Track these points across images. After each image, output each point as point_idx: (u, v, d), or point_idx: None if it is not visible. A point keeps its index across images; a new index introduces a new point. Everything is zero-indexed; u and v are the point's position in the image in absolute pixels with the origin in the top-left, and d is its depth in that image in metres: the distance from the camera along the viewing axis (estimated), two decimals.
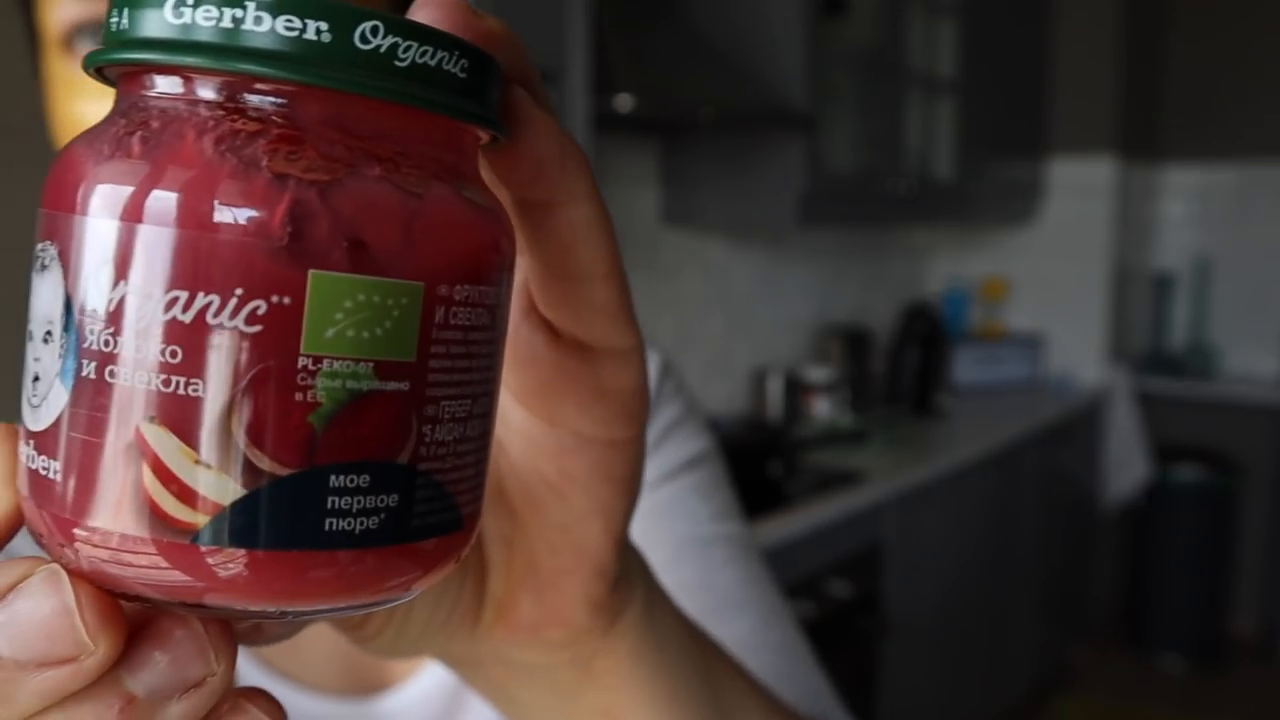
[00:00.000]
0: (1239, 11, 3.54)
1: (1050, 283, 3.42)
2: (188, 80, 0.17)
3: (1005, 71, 3.09)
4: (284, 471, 0.17)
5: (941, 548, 2.47)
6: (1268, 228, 3.58)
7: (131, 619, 0.18)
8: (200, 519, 0.17)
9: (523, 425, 0.26)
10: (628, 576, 0.30)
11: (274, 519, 0.17)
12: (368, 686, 0.52)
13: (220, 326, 0.16)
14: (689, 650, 0.34)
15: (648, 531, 0.50)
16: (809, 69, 2.26)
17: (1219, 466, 3.41)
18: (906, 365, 2.97)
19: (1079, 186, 3.34)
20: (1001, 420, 2.83)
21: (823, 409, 2.64)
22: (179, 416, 0.17)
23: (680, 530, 0.53)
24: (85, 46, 0.41)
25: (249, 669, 0.51)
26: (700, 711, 0.33)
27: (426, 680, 0.51)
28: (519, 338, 0.25)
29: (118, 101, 0.19)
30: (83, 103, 0.42)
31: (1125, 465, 3.34)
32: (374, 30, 0.17)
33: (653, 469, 0.54)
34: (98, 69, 0.19)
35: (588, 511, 0.27)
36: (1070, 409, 3.06)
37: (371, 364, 0.17)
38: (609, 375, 0.25)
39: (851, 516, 2.06)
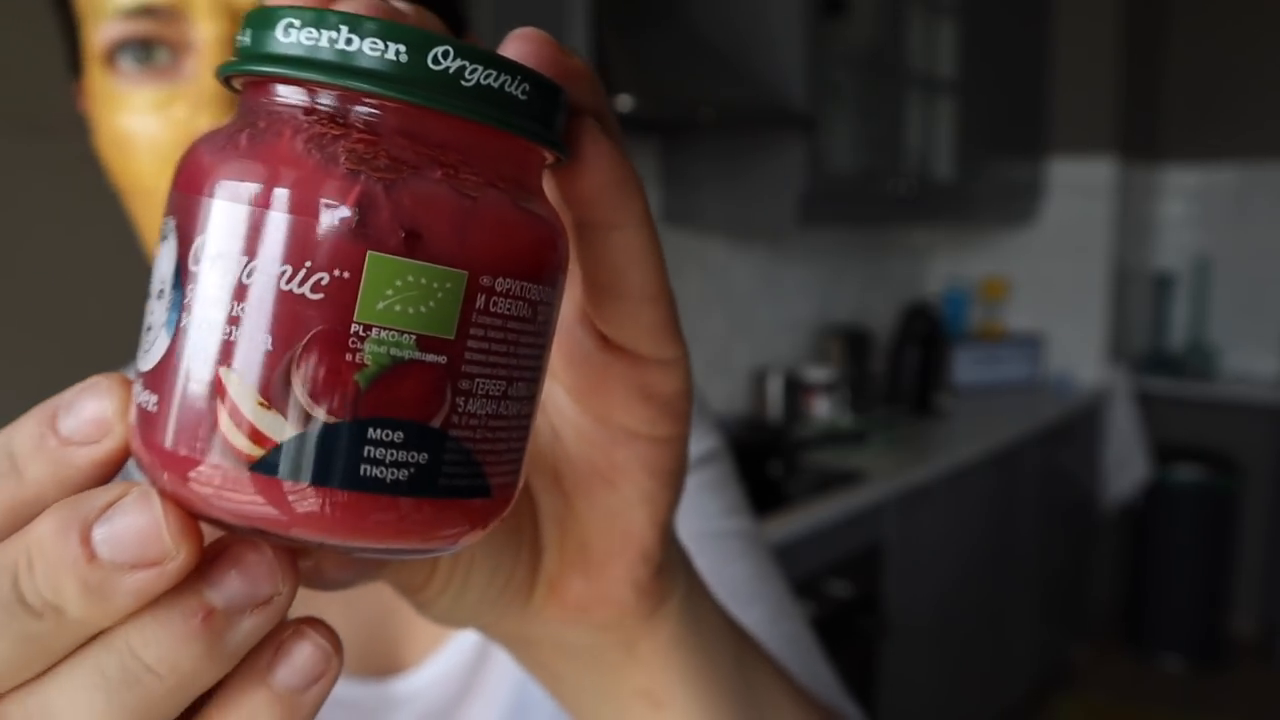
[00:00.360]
0: (1238, 12, 3.54)
1: (1050, 283, 3.42)
2: (292, 89, 0.21)
3: (1005, 71, 3.09)
4: (331, 420, 0.20)
5: (941, 548, 2.47)
6: (1267, 228, 3.59)
7: (212, 546, 0.22)
8: (259, 453, 0.20)
9: (575, 418, 0.29)
10: (671, 564, 0.32)
11: (318, 459, 0.20)
12: (383, 669, 0.53)
13: (289, 292, 0.20)
14: (725, 637, 0.36)
15: None
16: (809, 69, 2.26)
17: (1218, 466, 3.41)
18: (906, 365, 2.98)
19: (1079, 186, 3.34)
20: (1001, 420, 2.83)
21: (823, 409, 2.65)
22: (250, 365, 0.20)
23: (693, 525, 0.54)
24: (126, 63, 0.44)
25: None
26: (735, 695, 0.35)
27: (440, 664, 0.52)
28: (572, 338, 0.27)
29: (239, 104, 0.23)
30: (124, 114, 0.45)
31: (1125, 465, 3.34)
32: (444, 54, 0.20)
33: None
34: (225, 78, 0.23)
35: (635, 500, 0.29)
36: (1070, 409, 3.06)
37: (414, 336, 0.20)
38: (655, 380, 0.27)
39: (851, 516, 2.07)
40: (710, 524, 0.56)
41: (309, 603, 0.46)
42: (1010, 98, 3.14)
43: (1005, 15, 3.06)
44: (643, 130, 2.34)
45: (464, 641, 0.53)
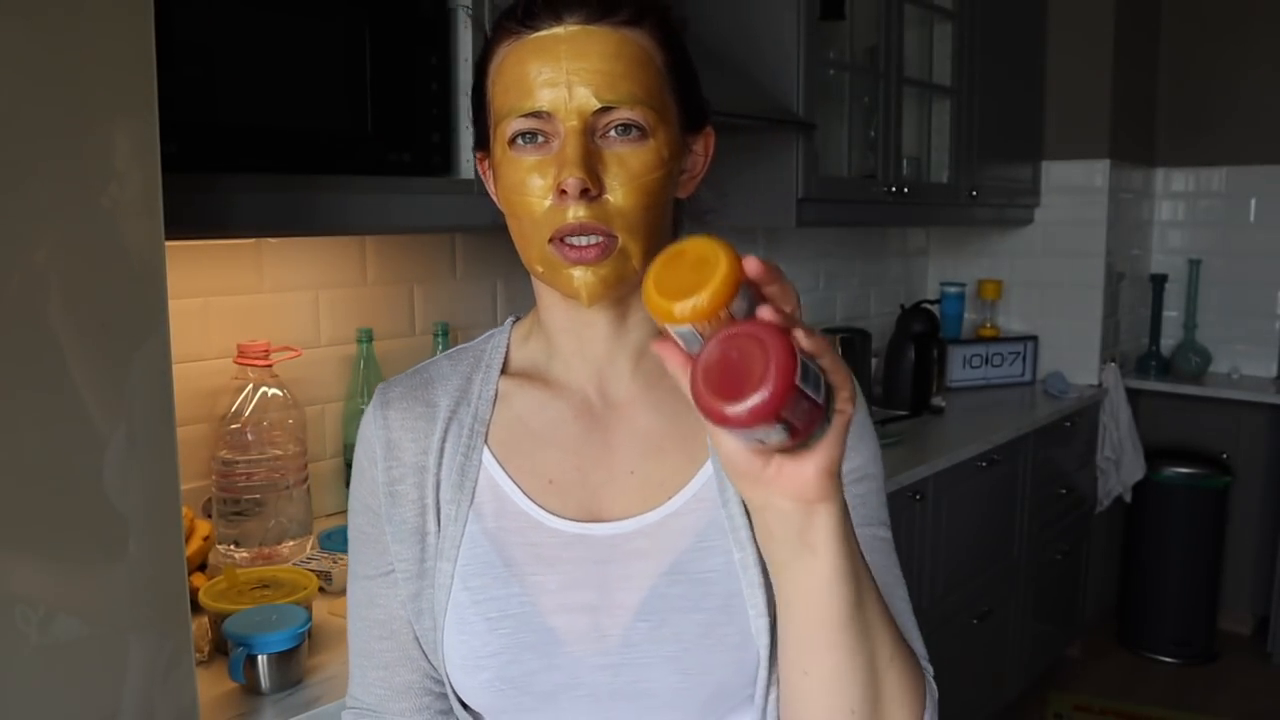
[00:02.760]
0: (1229, 23, 3.58)
1: (1045, 284, 3.46)
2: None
3: (1001, 76, 3.12)
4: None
5: (937, 546, 2.50)
6: (1258, 230, 3.62)
7: None
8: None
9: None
10: (837, 480, 0.60)
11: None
12: (594, 518, 0.81)
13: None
14: (859, 555, 0.65)
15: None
16: (807, 73, 2.29)
17: (1210, 465, 3.45)
18: (903, 366, 3.01)
19: (1073, 189, 3.38)
20: (996, 420, 2.86)
21: None
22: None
23: (858, 519, 0.79)
24: (521, 142, 0.75)
25: (525, 502, 0.82)
26: (860, 578, 0.64)
27: (631, 525, 0.80)
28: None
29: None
30: (517, 172, 0.75)
31: (1118, 464, 3.37)
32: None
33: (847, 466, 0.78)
34: None
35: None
36: (1064, 408, 3.09)
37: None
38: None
39: None
40: (870, 528, 0.82)
41: (543, 455, 0.83)
42: (1005, 102, 3.17)
43: (1001, 20, 3.09)
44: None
45: (650, 516, 0.80)
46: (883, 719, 0.68)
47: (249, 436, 1.57)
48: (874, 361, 3.12)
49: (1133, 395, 3.51)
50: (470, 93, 0.83)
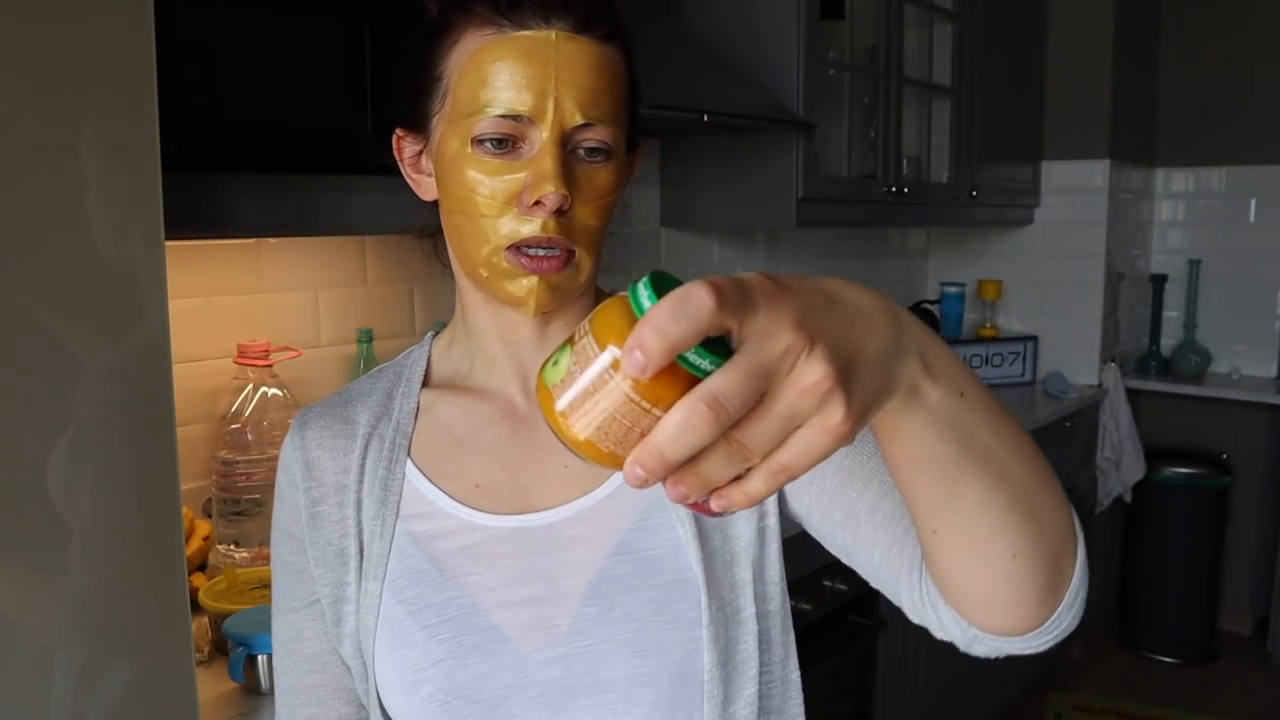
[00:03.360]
0: (1229, 23, 3.58)
1: (1045, 284, 3.46)
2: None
3: (1000, 76, 3.12)
4: None
5: None
6: (1258, 230, 3.62)
7: None
8: None
9: None
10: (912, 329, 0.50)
11: None
12: (524, 510, 0.78)
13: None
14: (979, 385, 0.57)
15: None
16: (807, 73, 2.29)
17: (1210, 465, 3.45)
18: None
19: (1073, 189, 3.38)
20: None
21: None
22: None
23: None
24: (487, 144, 0.71)
25: (452, 505, 0.78)
26: (990, 402, 0.56)
27: (566, 511, 0.77)
28: None
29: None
30: (476, 172, 0.71)
31: (1118, 464, 3.37)
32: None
33: None
34: None
35: None
36: (1064, 408, 3.09)
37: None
38: None
39: None
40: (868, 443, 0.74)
41: (469, 462, 0.79)
42: (1005, 102, 3.17)
43: (1001, 20, 3.09)
44: (642, 134, 2.36)
45: (587, 500, 0.77)
46: (1046, 555, 0.59)
47: (249, 436, 1.57)
48: None
49: (1133, 395, 3.50)
50: (402, 61, 0.77)
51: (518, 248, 0.71)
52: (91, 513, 0.90)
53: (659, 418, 0.40)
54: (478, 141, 0.71)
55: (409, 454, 0.80)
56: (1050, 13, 3.33)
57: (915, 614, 0.71)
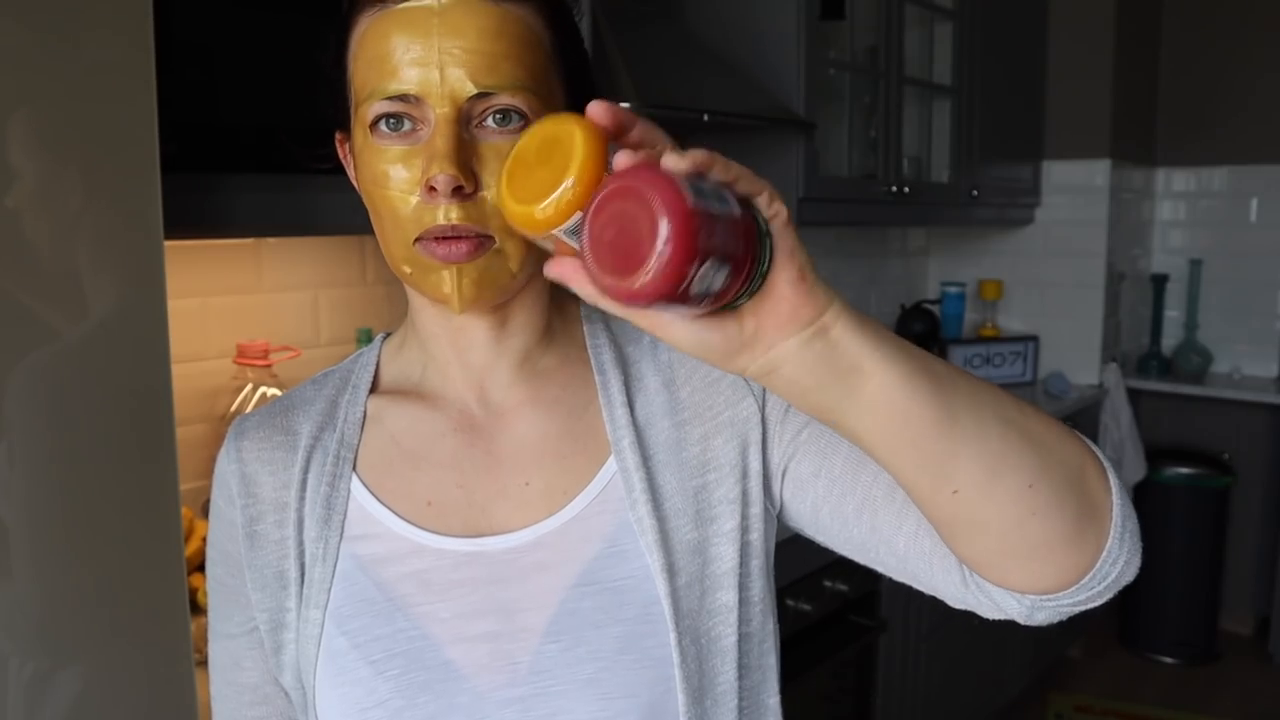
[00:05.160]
0: (1229, 23, 3.58)
1: (1046, 284, 3.46)
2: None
3: (1001, 76, 3.12)
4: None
5: None
6: (1259, 230, 3.62)
7: None
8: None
9: None
10: (819, 279, 0.53)
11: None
12: (481, 532, 0.71)
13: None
14: (910, 349, 0.56)
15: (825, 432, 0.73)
16: (807, 73, 2.29)
17: (1211, 465, 3.44)
18: None
19: (1074, 189, 3.37)
20: None
21: None
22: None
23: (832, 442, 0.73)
24: (383, 128, 0.65)
25: (401, 526, 0.71)
26: (932, 375, 0.55)
27: (528, 533, 0.71)
28: None
29: None
30: (380, 162, 0.65)
31: (1119, 464, 3.37)
32: None
33: None
34: None
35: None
36: (1065, 409, 3.09)
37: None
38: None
39: None
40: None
41: (420, 477, 0.73)
42: (1006, 102, 3.17)
43: (1001, 20, 3.09)
44: None
45: (549, 523, 0.71)
46: (1064, 477, 0.58)
47: None
48: None
49: (1133, 395, 3.50)
50: (330, 65, 0.72)
51: (427, 238, 0.65)
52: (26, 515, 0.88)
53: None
54: (374, 129, 0.65)
55: (354, 468, 0.73)
56: (1051, 12, 3.33)
57: (957, 598, 0.69)
